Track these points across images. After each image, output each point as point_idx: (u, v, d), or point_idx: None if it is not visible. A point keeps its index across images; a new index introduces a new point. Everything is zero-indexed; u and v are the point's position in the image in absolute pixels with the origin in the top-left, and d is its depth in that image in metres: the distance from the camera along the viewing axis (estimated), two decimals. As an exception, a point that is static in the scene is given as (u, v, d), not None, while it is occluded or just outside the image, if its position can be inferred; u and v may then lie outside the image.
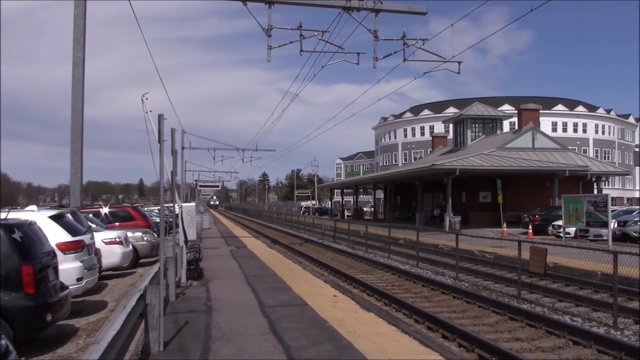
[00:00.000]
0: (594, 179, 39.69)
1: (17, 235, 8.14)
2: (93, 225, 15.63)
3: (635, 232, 25.05)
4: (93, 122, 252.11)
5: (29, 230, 8.68)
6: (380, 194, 65.47)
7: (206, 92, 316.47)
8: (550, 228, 28.80)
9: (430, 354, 7.08)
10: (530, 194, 37.06)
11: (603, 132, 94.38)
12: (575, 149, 60.46)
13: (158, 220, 18.94)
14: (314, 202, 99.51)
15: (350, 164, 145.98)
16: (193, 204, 20.61)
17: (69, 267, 10.55)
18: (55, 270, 9.01)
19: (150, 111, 13.88)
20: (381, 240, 25.59)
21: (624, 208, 36.88)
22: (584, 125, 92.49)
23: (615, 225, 25.20)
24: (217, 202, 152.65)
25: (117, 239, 16.09)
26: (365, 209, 70.83)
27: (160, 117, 8.18)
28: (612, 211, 24.62)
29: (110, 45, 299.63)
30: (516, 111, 46.40)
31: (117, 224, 21.48)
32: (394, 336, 7.97)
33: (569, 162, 38.24)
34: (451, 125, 54.66)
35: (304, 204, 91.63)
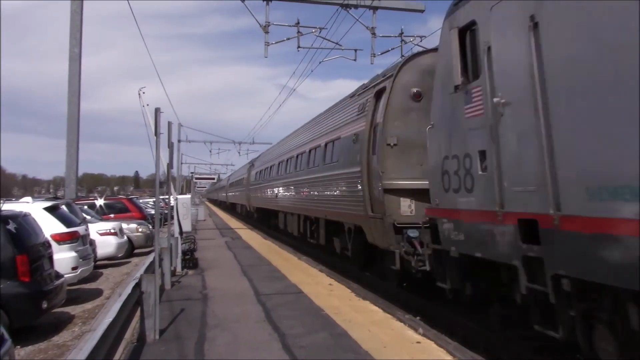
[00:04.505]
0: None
1: (11, 226, 8.35)
2: (88, 217, 15.70)
3: None
4: (93, 115, 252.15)
5: (24, 221, 8.88)
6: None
7: (205, 87, 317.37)
8: None
9: (426, 342, 7.11)
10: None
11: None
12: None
13: (153, 212, 18.95)
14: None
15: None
16: (188, 196, 20.63)
17: (63, 257, 10.73)
18: (50, 260, 9.16)
19: (148, 105, 13.96)
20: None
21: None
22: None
23: None
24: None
25: (112, 230, 16.26)
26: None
27: (157, 111, 8.24)
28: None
29: (113, 40, 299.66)
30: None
31: (112, 215, 21.55)
32: (389, 324, 7.99)
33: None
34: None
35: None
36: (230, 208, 59.90)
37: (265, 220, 30.44)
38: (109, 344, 5.58)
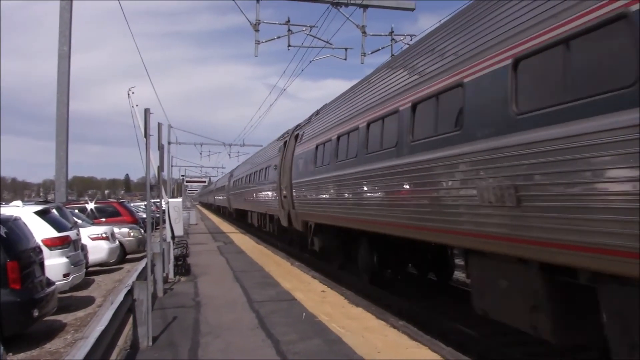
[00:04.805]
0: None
1: (2, 231, 8.15)
2: (79, 221, 15.54)
3: None
4: (82, 116, 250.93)
5: (14, 226, 8.68)
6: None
7: (195, 87, 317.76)
8: None
9: (419, 348, 7.10)
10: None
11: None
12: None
13: (144, 215, 18.80)
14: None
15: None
16: (180, 199, 20.54)
17: (55, 263, 10.53)
18: (41, 266, 9.01)
19: (137, 105, 13.84)
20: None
21: None
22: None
23: None
24: None
25: (104, 235, 16.05)
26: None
27: (147, 112, 8.12)
28: None
29: (103, 39, 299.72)
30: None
31: (103, 219, 21.39)
32: (383, 330, 7.98)
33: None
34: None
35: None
36: (235, 218, 41.67)
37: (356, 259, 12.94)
38: (102, 350, 5.53)
